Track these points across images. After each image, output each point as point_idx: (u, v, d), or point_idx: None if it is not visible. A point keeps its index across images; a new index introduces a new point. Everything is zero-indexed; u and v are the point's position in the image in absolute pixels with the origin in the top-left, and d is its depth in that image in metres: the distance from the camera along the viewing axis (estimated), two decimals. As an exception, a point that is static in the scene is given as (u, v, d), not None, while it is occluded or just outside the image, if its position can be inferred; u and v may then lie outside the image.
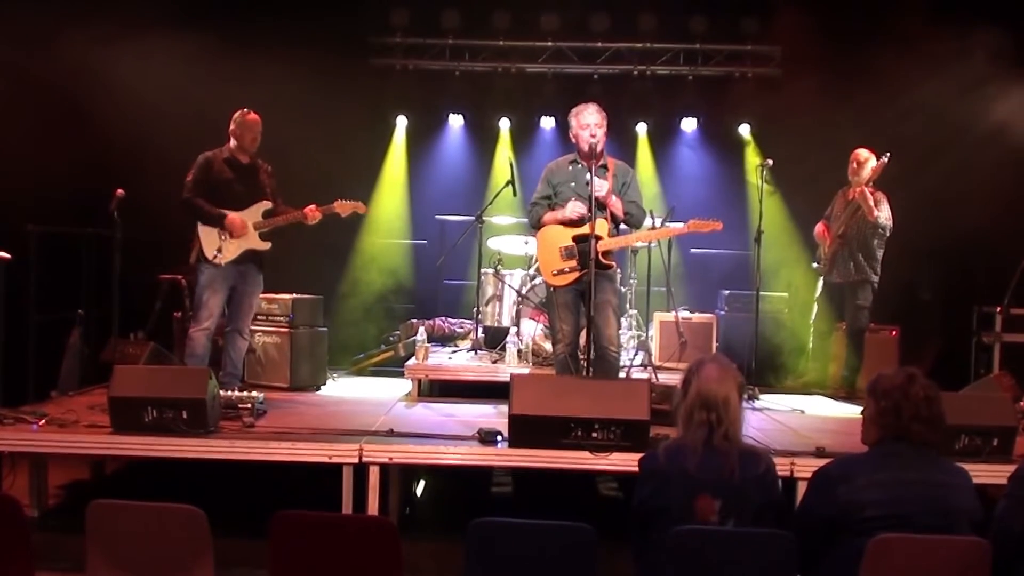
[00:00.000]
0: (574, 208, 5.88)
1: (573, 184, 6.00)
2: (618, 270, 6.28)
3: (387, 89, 10.03)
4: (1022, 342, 7.57)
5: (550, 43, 9.97)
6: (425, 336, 7.68)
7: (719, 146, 10.19)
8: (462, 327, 8.93)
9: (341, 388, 7.63)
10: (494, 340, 8.01)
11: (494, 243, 8.42)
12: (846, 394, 7.46)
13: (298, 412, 6.07)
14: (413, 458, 5.03)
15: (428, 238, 10.07)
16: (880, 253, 7.36)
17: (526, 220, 6.55)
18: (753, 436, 5.28)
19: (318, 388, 7.42)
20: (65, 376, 6.62)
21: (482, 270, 8.25)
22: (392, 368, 8.37)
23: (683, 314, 8.04)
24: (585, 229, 5.75)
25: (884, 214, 7.24)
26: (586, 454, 4.80)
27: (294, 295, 7.42)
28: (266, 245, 6.42)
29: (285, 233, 6.52)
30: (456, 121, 10.37)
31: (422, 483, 6.23)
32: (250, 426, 5.30)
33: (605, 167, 5.91)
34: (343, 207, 6.46)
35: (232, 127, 6.39)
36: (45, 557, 3.52)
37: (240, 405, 5.51)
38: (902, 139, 7.56)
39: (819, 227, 7.69)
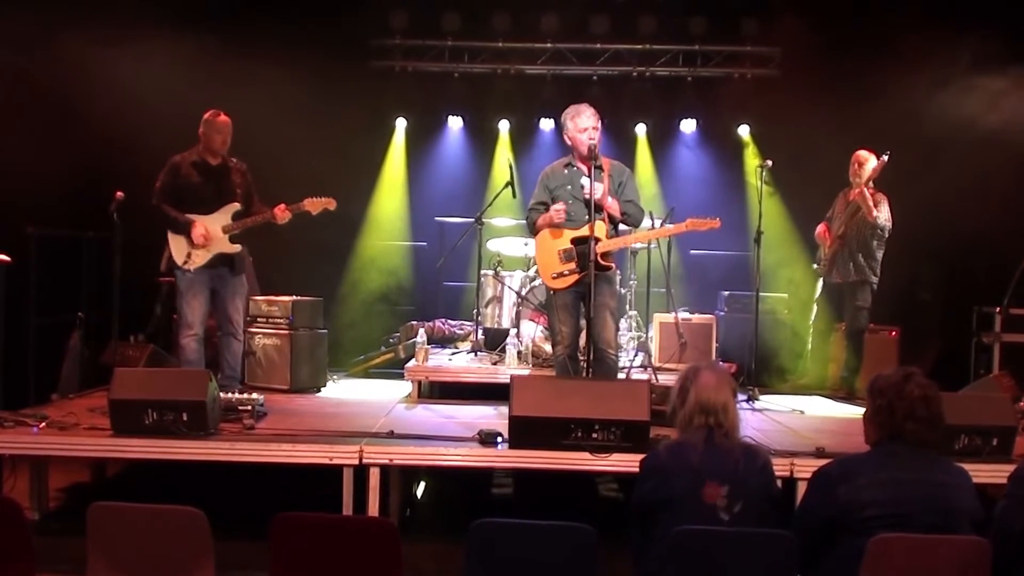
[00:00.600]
0: (555, 210, 5.91)
1: (569, 187, 6.01)
2: (617, 272, 6.29)
3: (386, 91, 10.03)
4: (1022, 342, 7.57)
5: (549, 44, 9.97)
6: (425, 338, 7.68)
7: (718, 147, 10.19)
8: (462, 329, 8.93)
9: (341, 390, 7.63)
10: (494, 342, 8.01)
11: (494, 245, 8.42)
12: (845, 395, 7.48)
13: (298, 414, 6.07)
14: (413, 459, 5.04)
15: (428, 240, 10.07)
16: (880, 254, 7.37)
17: (525, 223, 6.55)
18: (752, 436, 5.27)
19: (318, 390, 7.42)
20: (65, 379, 6.62)
21: (482, 272, 8.25)
22: (392, 370, 8.37)
23: (683, 315, 8.04)
24: (584, 231, 5.76)
25: (884, 215, 7.25)
26: (586, 455, 4.80)
27: (294, 297, 7.41)
28: (236, 248, 6.38)
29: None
30: (455, 123, 10.37)
31: (422, 484, 6.24)
32: (250, 428, 5.30)
33: (601, 168, 5.92)
34: (313, 204, 6.41)
35: (201, 128, 6.33)
36: (46, 560, 3.51)
37: (240, 407, 5.50)
38: (901, 140, 7.56)
39: (820, 228, 7.70)
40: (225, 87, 7.33)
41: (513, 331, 7.87)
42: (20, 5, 6.94)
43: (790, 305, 8.59)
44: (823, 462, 3.47)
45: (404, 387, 7.44)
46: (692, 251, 9.60)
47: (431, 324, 8.77)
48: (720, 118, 10.14)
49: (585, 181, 5.84)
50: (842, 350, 7.73)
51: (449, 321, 9.06)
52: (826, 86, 8.75)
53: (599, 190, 5.77)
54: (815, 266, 7.82)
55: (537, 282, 7.74)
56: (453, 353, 8.29)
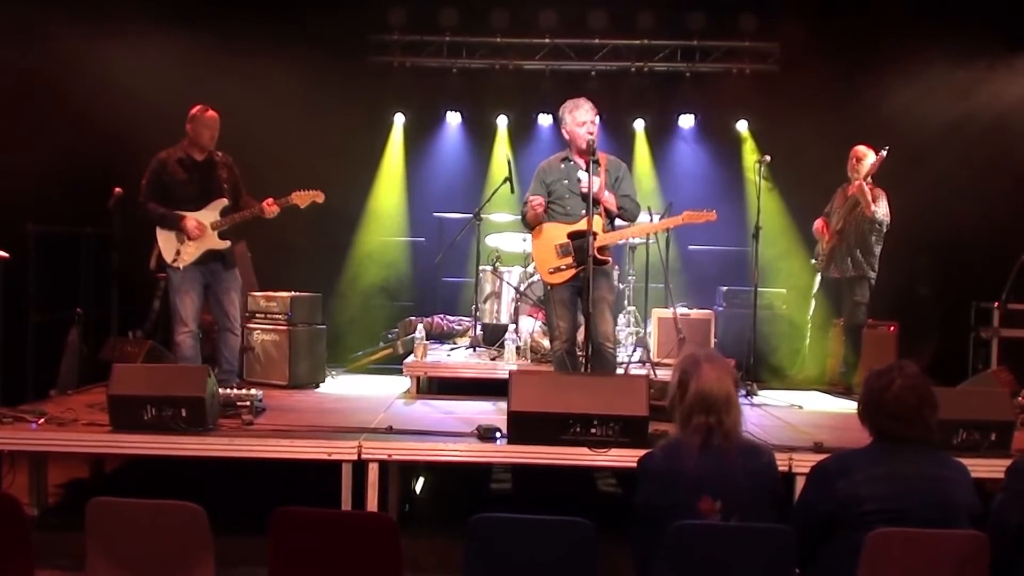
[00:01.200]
0: (537, 203, 5.92)
1: (566, 181, 6.02)
2: (615, 266, 6.29)
3: (385, 87, 10.03)
4: (1020, 337, 7.58)
5: (548, 40, 9.97)
6: (424, 333, 7.68)
7: (717, 143, 10.20)
8: (460, 324, 8.93)
9: (340, 386, 7.63)
10: (492, 337, 8.01)
11: (492, 240, 8.42)
12: (844, 390, 7.48)
13: (297, 410, 6.08)
14: (412, 455, 5.04)
15: (426, 235, 10.06)
16: (878, 249, 7.37)
17: (521, 218, 6.55)
18: (751, 432, 5.28)
19: (317, 386, 7.42)
20: (64, 375, 6.62)
21: (480, 267, 8.26)
22: (391, 365, 8.36)
23: (681, 310, 8.03)
24: (581, 226, 5.76)
25: (882, 210, 7.26)
26: (585, 450, 4.80)
27: (292, 293, 7.41)
28: (225, 244, 6.38)
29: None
30: (454, 118, 10.37)
31: (421, 480, 6.24)
32: (249, 424, 5.30)
33: (597, 162, 5.92)
34: (301, 198, 6.41)
35: (188, 125, 6.32)
36: (45, 555, 3.52)
37: (239, 403, 5.51)
38: (900, 135, 7.57)
39: (818, 223, 7.70)
40: (223, 83, 7.32)
41: (512, 327, 7.87)
42: (19, 1, 6.93)
43: (788, 300, 8.59)
44: (821, 457, 3.46)
45: (403, 383, 7.44)
46: (690, 246, 9.61)
47: (430, 320, 8.77)
48: (718, 113, 10.15)
49: (582, 175, 5.84)
50: (840, 345, 7.73)
51: (448, 317, 9.06)
52: (824, 81, 8.75)
53: (596, 184, 5.77)
54: (813, 261, 7.83)
55: (535, 278, 7.74)
56: (452, 349, 8.29)
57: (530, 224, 6.10)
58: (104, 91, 7.24)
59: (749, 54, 9.95)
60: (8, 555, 3.22)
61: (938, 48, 7.94)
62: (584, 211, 5.71)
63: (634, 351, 7.73)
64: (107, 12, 7.12)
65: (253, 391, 5.71)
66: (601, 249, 5.83)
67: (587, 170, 5.78)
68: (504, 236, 8.45)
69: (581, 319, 5.96)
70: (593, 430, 4.79)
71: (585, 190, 5.73)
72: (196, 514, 3.13)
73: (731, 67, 9.99)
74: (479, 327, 8.18)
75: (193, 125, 6.32)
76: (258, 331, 7.35)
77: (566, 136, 6.07)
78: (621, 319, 7.94)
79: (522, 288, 8.00)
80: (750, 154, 9.85)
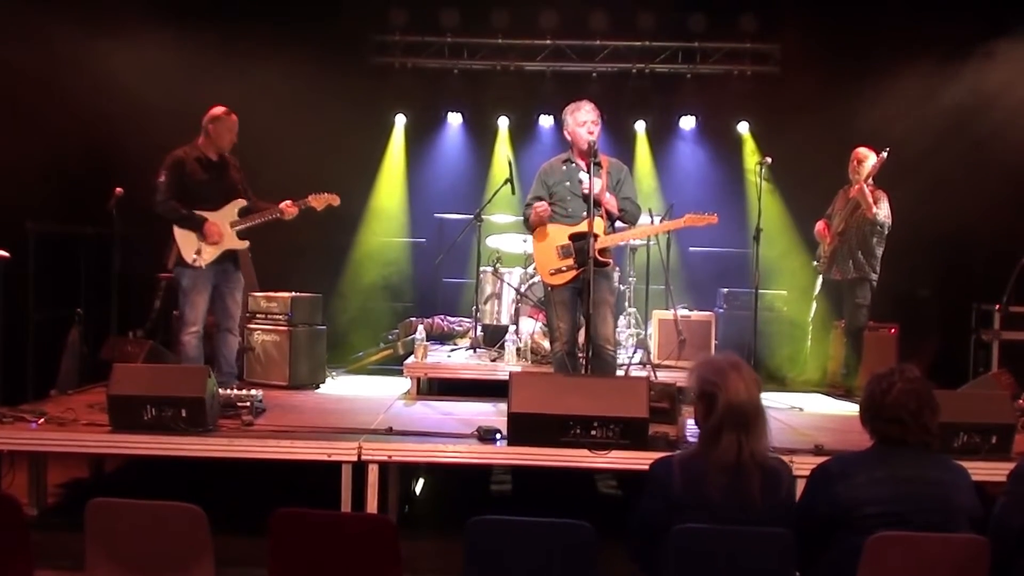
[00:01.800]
0: (543, 208, 5.93)
1: (568, 183, 6.02)
2: (616, 268, 6.29)
3: (386, 87, 10.05)
4: (1021, 340, 7.58)
5: (549, 41, 9.98)
6: (424, 334, 7.68)
7: (718, 144, 10.21)
8: (461, 325, 8.93)
9: (340, 386, 7.62)
10: (493, 338, 8.01)
11: (493, 241, 8.41)
12: (844, 392, 7.47)
13: (297, 410, 6.07)
14: (412, 456, 5.04)
15: (427, 236, 10.07)
16: (879, 251, 7.36)
17: (522, 219, 6.55)
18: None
19: (317, 386, 7.41)
20: (64, 375, 6.61)
21: (481, 268, 8.25)
22: (391, 366, 8.36)
23: (682, 312, 8.04)
24: (582, 227, 5.76)
25: (883, 212, 7.25)
26: (585, 452, 4.79)
27: (293, 293, 7.41)
28: (244, 244, 6.39)
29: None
30: (455, 119, 10.39)
31: (421, 481, 6.24)
32: (249, 424, 5.30)
33: (599, 164, 5.92)
34: (317, 201, 6.44)
35: (210, 126, 6.30)
36: (45, 556, 3.51)
37: (239, 403, 5.51)
38: (901, 136, 7.56)
39: (820, 225, 7.70)
40: (225, 83, 7.32)
41: (512, 328, 7.87)
42: (19, 1, 6.93)
43: (789, 302, 8.59)
44: (822, 459, 3.45)
45: (403, 384, 7.44)
46: (691, 248, 9.62)
47: (430, 321, 8.77)
48: (719, 115, 10.16)
49: (584, 177, 5.84)
50: (841, 347, 7.73)
51: (448, 318, 9.07)
52: (825, 83, 8.76)
53: (597, 185, 5.77)
54: (815, 263, 7.82)
55: (536, 279, 7.74)
56: (452, 350, 8.29)
57: (532, 226, 6.10)
58: (105, 91, 7.24)
59: (750, 56, 9.96)
60: (7, 555, 3.22)
61: (939, 50, 7.94)
62: (585, 213, 5.71)
63: (635, 353, 7.73)
64: (108, 12, 7.12)
65: (253, 392, 5.71)
66: (602, 251, 5.82)
67: (588, 172, 5.78)
68: (505, 237, 8.45)
69: (581, 320, 5.96)
70: (593, 432, 4.78)
71: (587, 191, 5.73)
72: (196, 515, 3.13)
73: (732, 69, 10.00)
74: (479, 328, 8.18)
75: (215, 126, 6.31)
76: (258, 331, 7.35)
77: (568, 137, 6.07)
78: (622, 320, 7.94)
79: (523, 289, 8.00)
80: (751, 156, 9.87)
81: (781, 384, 7.91)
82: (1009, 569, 3.14)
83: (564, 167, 6.08)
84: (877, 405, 3.21)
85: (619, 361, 6.71)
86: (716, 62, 10.01)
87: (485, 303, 8.33)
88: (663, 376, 6.81)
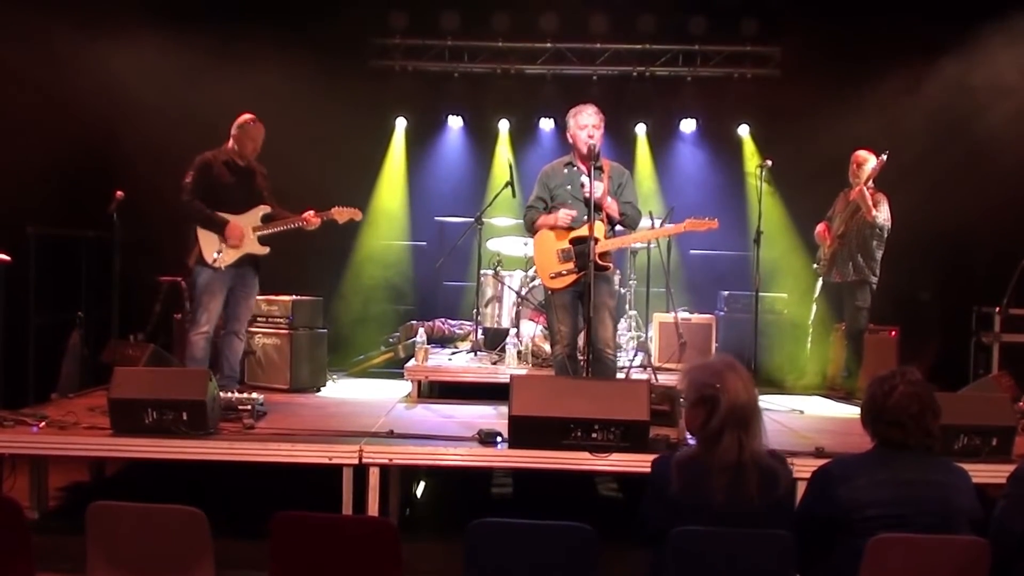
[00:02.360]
0: (565, 214, 5.91)
1: (569, 187, 6.01)
2: (616, 271, 6.29)
3: (386, 91, 10.05)
4: (1021, 342, 7.57)
5: (549, 44, 9.99)
6: (425, 337, 7.68)
7: (718, 147, 10.21)
8: (462, 328, 8.94)
9: (341, 389, 7.63)
10: (494, 341, 8.02)
11: (493, 244, 8.42)
12: (845, 395, 7.48)
13: (298, 413, 6.07)
14: (413, 459, 5.04)
15: (428, 239, 10.08)
16: (879, 254, 7.36)
17: (523, 222, 6.55)
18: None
19: (318, 390, 7.42)
20: (65, 378, 6.62)
21: (481, 271, 8.26)
22: (392, 369, 8.37)
23: (682, 315, 8.04)
24: (583, 231, 5.76)
25: (883, 215, 7.25)
26: (586, 455, 4.79)
27: (294, 297, 7.42)
28: (265, 250, 6.41)
29: (285, 235, 6.52)
30: (455, 122, 10.39)
31: (422, 484, 6.24)
32: (250, 427, 5.30)
33: (601, 168, 5.93)
34: (341, 214, 6.49)
35: (235, 132, 6.33)
36: (46, 559, 3.51)
37: (240, 407, 5.50)
38: (901, 139, 7.57)
39: (820, 228, 7.70)
40: (225, 86, 7.34)
41: (513, 331, 7.88)
42: (21, 4, 6.94)
43: (790, 305, 8.59)
44: (822, 462, 3.45)
45: (404, 387, 7.45)
46: (692, 251, 9.62)
47: (431, 324, 8.78)
48: (720, 118, 10.17)
49: (585, 180, 5.84)
50: (842, 350, 7.73)
51: (449, 321, 9.07)
52: (826, 85, 8.77)
53: (599, 189, 5.77)
54: (815, 266, 7.82)
55: (537, 282, 7.74)
56: (453, 353, 8.30)
57: (536, 228, 6.09)
58: (106, 95, 7.26)
59: (750, 58, 9.97)
60: (9, 559, 3.22)
61: (940, 52, 7.95)
62: (586, 216, 5.71)
63: (635, 355, 7.73)
64: (109, 16, 7.13)
65: (254, 395, 5.71)
66: (602, 255, 5.82)
67: (589, 176, 5.78)
68: (505, 240, 8.46)
69: (582, 323, 5.96)
70: (594, 434, 4.78)
71: (588, 195, 5.73)
72: (196, 518, 3.13)
73: (732, 71, 10.01)
74: (480, 331, 8.19)
75: (239, 133, 6.33)
76: (259, 335, 7.35)
77: (570, 140, 6.07)
78: (622, 323, 7.94)
79: (523, 292, 8.00)
80: (751, 158, 9.87)
81: (781, 387, 7.91)
82: (1009, 571, 3.14)
83: (565, 170, 6.08)
84: (879, 408, 3.21)
85: (620, 364, 6.71)
86: (716, 65, 10.01)
87: (486, 306, 8.34)
88: (664, 379, 6.82)
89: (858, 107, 8.40)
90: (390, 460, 4.92)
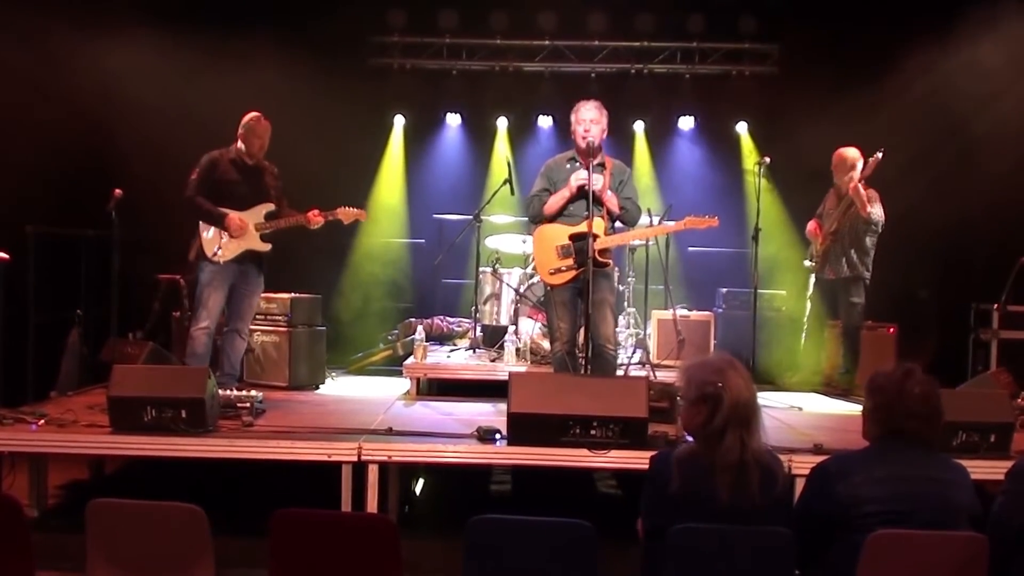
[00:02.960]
0: (576, 176, 5.88)
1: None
2: (616, 268, 6.29)
3: (384, 88, 10.05)
4: (1019, 339, 7.58)
5: (547, 42, 9.99)
6: (423, 335, 7.69)
7: (716, 144, 10.21)
8: (460, 326, 8.94)
9: (340, 387, 7.63)
10: (492, 339, 8.02)
11: (492, 242, 8.42)
12: (842, 391, 7.47)
13: (297, 411, 6.08)
14: (412, 456, 5.04)
15: (426, 237, 10.08)
16: (872, 250, 7.37)
17: (524, 218, 6.55)
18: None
19: (317, 387, 7.42)
20: (64, 376, 6.61)
21: (480, 269, 8.26)
22: (391, 367, 8.37)
23: (681, 312, 8.04)
24: (582, 227, 5.77)
25: (877, 210, 7.25)
26: (585, 452, 4.80)
27: (293, 294, 7.42)
28: (266, 247, 6.42)
29: (284, 232, 6.53)
30: (454, 120, 10.39)
31: (421, 481, 6.24)
32: (249, 425, 5.30)
33: (603, 165, 5.94)
34: (346, 214, 6.51)
35: (241, 130, 6.36)
36: (45, 557, 3.51)
37: (239, 404, 5.51)
38: (899, 136, 7.57)
39: (811, 225, 7.70)
40: (224, 85, 7.33)
41: (511, 328, 7.88)
42: (19, 3, 6.94)
43: (788, 301, 8.59)
44: (821, 458, 3.45)
45: (402, 384, 7.45)
46: (690, 248, 9.62)
47: (429, 321, 8.78)
48: (718, 115, 10.17)
49: (585, 174, 5.83)
50: (838, 346, 7.72)
51: (447, 318, 9.07)
52: (824, 83, 8.77)
53: (598, 182, 5.77)
54: (806, 263, 7.82)
55: (535, 279, 7.75)
56: (451, 350, 8.30)
57: (541, 215, 6.07)
58: (104, 93, 7.25)
59: (748, 56, 9.97)
60: (8, 557, 3.22)
61: (938, 49, 7.95)
62: (586, 212, 5.71)
63: (634, 353, 7.74)
64: (107, 15, 7.13)
65: (253, 392, 5.71)
66: (602, 251, 5.83)
67: (588, 171, 5.78)
68: (504, 237, 8.46)
69: (581, 320, 5.97)
70: (593, 432, 4.78)
71: (587, 189, 5.72)
72: (196, 515, 3.14)
73: (730, 69, 10.01)
74: (479, 328, 8.19)
75: (245, 131, 6.35)
76: (258, 332, 7.35)
77: (572, 135, 6.09)
78: (621, 320, 7.94)
79: (522, 289, 8.01)
80: (749, 155, 9.87)
81: (780, 383, 7.91)
82: (1008, 567, 3.15)
83: (568, 165, 6.09)
84: (903, 402, 3.18)
85: (618, 361, 6.72)
86: (715, 62, 10.01)
87: (484, 303, 8.34)
88: (662, 376, 6.83)
89: (856, 104, 8.39)
90: (389, 457, 4.93)
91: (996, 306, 7.42)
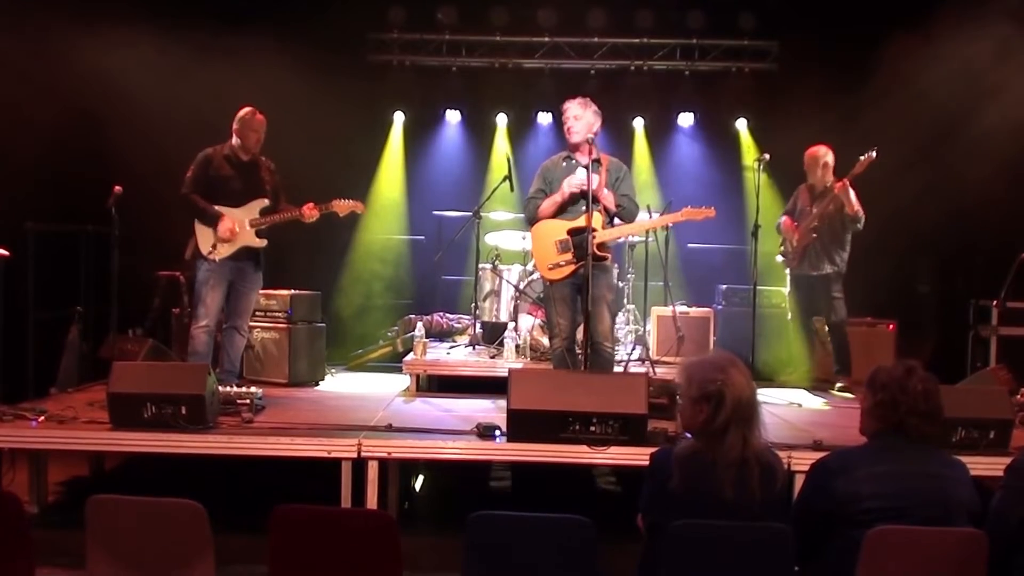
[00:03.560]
0: (569, 182, 5.90)
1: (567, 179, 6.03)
2: (615, 264, 6.30)
3: (384, 85, 10.05)
4: (1018, 335, 7.58)
5: (547, 38, 9.98)
6: (423, 331, 7.69)
7: (716, 141, 10.21)
8: (460, 322, 8.94)
9: (339, 383, 7.63)
10: (492, 335, 8.01)
11: (492, 238, 8.42)
12: (840, 387, 7.46)
13: (297, 408, 6.08)
14: (412, 453, 5.05)
15: (426, 234, 10.07)
16: (849, 245, 7.39)
17: (523, 216, 6.55)
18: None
19: (316, 384, 7.43)
20: (64, 373, 6.62)
21: (480, 265, 8.26)
22: (390, 364, 8.37)
23: (680, 308, 8.04)
24: (580, 222, 5.78)
25: (860, 209, 7.28)
26: (584, 448, 4.80)
27: (292, 291, 7.42)
28: (262, 243, 6.42)
29: (284, 229, 6.53)
30: (453, 117, 10.39)
31: (421, 478, 6.25)
32: (249, 422, 5.30)
33: (599, 162, 5.95)
34: (341, 207, 6.48)
35: (236, 126, 6.36)
36: (45, 553, 3.53)
37: (239, 401, 5.51)
38: (899, 131, 7.57)
39: (785, 221, 7.70)
40: (222, 81, 7.32)
41: (511, 324, 7.88)
42: (19, 1, 6.93)
43: (786, 298, 8.58)
44: (821, 454, 3.46)
45: (402, 381, 7.45)
46: (690, 244, 9.62)
47: (429, 318, 8.78)
48: (718, 112, 10.17)
49: (581, 171, 5.85)
50: (827, 342, 7.72)
51: (447, 315, 9.07)
52: (824, 80, 8.77)
53: (595, 180, 5.78)
54: (779, 259, 7.81)
55: (535, 275, 7.75)
56: (451, 347, 8.30)
57: (539, 217, 6.08)
58: (103, 89, 7.24)
59: (748, 53, 9.97)
60: (8, 553, 3.23)
61: (938, 46, 7.93)
62: (584, 209, 5.72)
63: (633, 349, 7.74)
64: (106, 11, 7.12)
65: (253, 389, 5.71)
66: (600, 246, 5.84)
67: (587, 168, 5.79)
68: (503, 234, 8.46)
69: (580, 316, 5.97)
70: (592, 428, 4.79)
71: (585, 188, 5.73)
72: (196, 512, 3.14)
73: (730, 66, 10.01)
74: (478, 325, 8.18)
75: (240, 127, 6.36)
76: (258, 329, 7.36)
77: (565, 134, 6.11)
78: (620, 317, 7.94)
79: (521, 286, 8.01)
80: (749, 152, 9.87)
81: (779, 380, 7.91)
82: (1007, 562, 3.16)
83: (564, 164, 6.12)
84: (909, 399, 3.18)
85: (618, 358, 6.72)
86: (714, 59, 10.01)
87: (484, 300, 8.34)
88: (662, 372, 6.84)
89: (855, 100, 8.39)
90: (389, 454, 4.93)
91: (995, 302, 7.41)
